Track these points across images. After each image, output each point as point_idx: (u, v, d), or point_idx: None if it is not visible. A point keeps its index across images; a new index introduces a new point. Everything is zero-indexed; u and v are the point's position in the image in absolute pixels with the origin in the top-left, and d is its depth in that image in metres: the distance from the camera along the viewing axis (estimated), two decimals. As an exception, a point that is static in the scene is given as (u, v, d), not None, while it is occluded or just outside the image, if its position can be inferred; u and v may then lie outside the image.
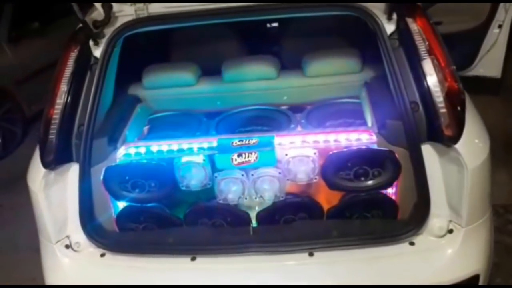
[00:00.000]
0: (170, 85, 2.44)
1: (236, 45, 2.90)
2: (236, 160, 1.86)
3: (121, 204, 2.05)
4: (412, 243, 1.76)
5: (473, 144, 1.70)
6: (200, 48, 2.82)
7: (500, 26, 4.00)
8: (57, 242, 1.90)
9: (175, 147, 1.96)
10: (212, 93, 2.45)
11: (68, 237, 1.91)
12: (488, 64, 4.18)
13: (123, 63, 2.25)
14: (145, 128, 2.33)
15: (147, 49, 2.85)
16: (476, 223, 1.75)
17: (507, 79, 4.28)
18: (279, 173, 1.90)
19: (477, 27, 4.08)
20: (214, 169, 1.94)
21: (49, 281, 1.90)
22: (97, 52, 1.97)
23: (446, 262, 1.73)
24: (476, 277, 1.73)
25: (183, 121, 2.38)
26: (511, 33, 4.05)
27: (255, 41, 2.99)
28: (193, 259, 1.79)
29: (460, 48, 3.79)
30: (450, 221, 1.76)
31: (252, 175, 1.91)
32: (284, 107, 2.43)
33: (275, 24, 3.21)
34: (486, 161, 1.69)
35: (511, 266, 2.58)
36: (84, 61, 1.94)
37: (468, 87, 1.80)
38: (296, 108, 2.42)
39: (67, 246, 1.90)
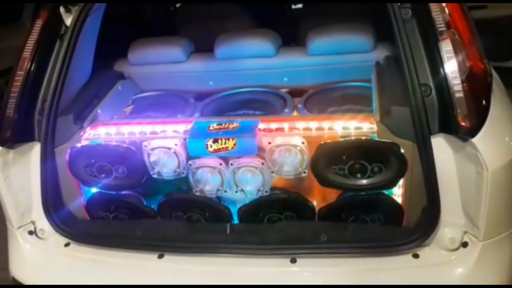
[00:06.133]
0: (157, 61, 2.20)
1: (241, 20, 2.62)
2: (211, 146, 1.61)
3: (94, 189, 1.87)
4: (416, 256, 1.49)
5: (497, 139, 1.36)
6: (202, 23, 2.56)
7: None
8: (19, 227, 1.78)
9: (148, 129, 1.73)
10: (204, 72, 2.19)
11: (33, 222, 1.79)
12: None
13: (111, 36, 2.04)
14: (128, 108, 2.11)
15: (143, 23, 2.63)
16: (497, 236, 1.43)
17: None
18: (262, 163, 1.64)
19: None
20: (190, 156, 1.69)
21: (11, 267, 1.78)
22: (69, 20, 1.77)
23: (455, 283, 1.42)
24: None
25: (169, 102, 2.14)
26: None
27: (259, 16, 2.70)
28: (160, 256, 1.62)
29: (507, 35, 3.36)
30: (465, 232, 1.46)
31: (232, 164, 1.66)
32: (284, 90, 2.14)
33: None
34: None
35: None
36: (52, 30, 1.75)
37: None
38: (298, 92, 2.12)
39: (30, 232, 1.78)
